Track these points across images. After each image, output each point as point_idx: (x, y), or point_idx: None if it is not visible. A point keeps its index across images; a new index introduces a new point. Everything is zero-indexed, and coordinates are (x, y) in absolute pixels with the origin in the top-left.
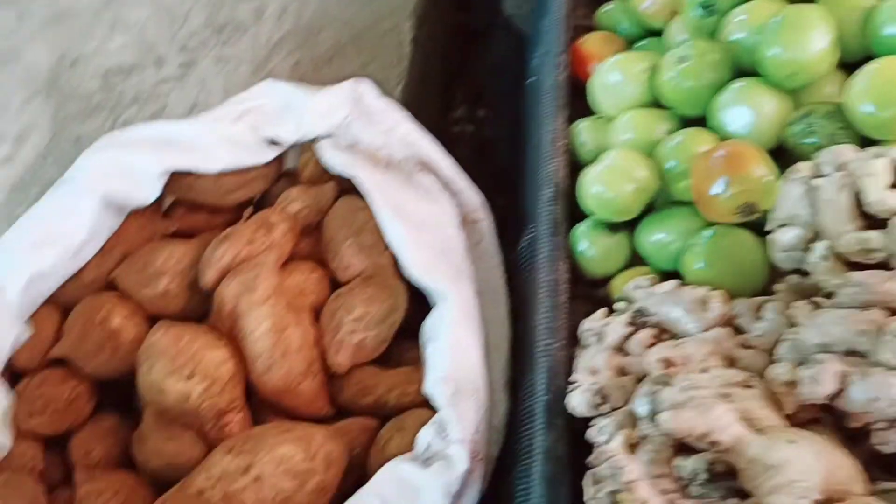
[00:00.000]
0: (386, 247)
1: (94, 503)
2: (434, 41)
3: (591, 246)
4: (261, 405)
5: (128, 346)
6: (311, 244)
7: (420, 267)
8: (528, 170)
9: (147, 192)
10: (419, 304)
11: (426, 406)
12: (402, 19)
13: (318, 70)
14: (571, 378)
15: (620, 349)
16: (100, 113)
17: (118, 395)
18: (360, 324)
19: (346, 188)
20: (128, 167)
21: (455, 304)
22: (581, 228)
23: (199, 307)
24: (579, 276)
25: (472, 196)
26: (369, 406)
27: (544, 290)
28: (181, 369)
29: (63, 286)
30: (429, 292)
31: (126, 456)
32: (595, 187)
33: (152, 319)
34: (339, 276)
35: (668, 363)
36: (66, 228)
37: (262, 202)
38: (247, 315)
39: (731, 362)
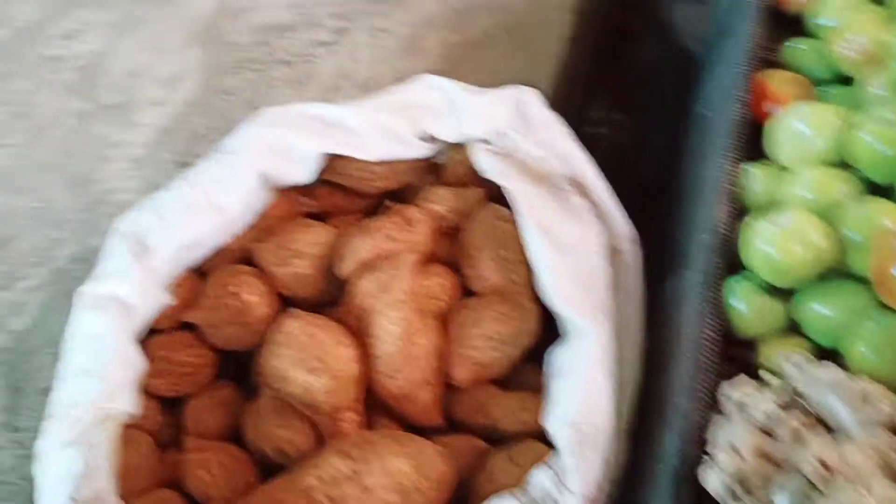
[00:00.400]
0: (526, 265)
1: (198, 471)
2: (588, 39)
3: (745, 303)
4: (374, 405)
5: (257, 323)
6: (448, 247)
7: (560, 294)
8: (683, 203)
9: (303, 172)
10: (547, 328)
11: (540, 438)
12: (563, 14)
13: (468, 54)
14: (708, 450)
15: (765, 429)
16: (250, 68)
17: (237, 366)
18: (487, 341)
19: (493, 196)
20: (288, 146)
21: (594, 344)
22: (737, 282)
23: (329, 293)
24: (726, 330)
25: (623, 225)
26: (482, 426)
27: (688, 346)
28: (308, 361)
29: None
30: (564, 321)
31: (235, 429)
32: (764, 247)
33: (283, 299)
34: (472, 286)
35: (824, 465)
36: (223, 200)
37: (403, 193)
38: (379, 315)
39: (893, 475)
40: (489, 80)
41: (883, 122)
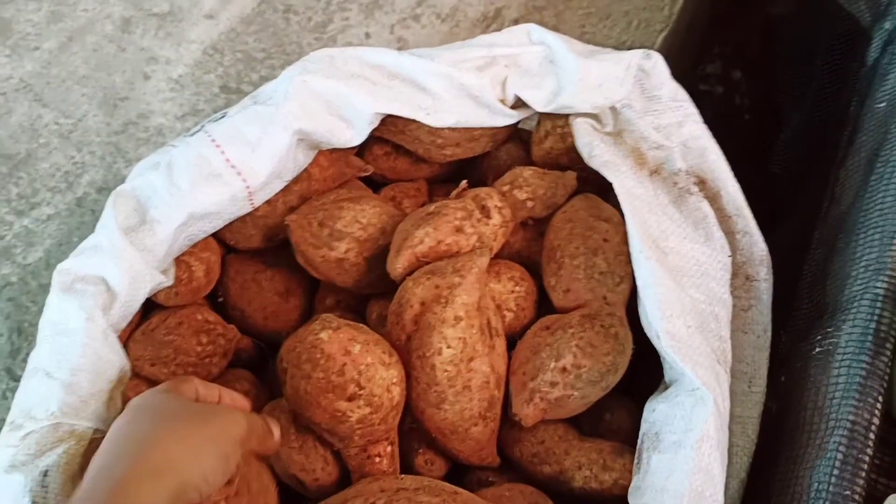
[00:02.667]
0: (624, 278)
1: None
2: None
3: None
4: (413, 430)
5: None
6: (526, 240)
7: (671, 335)
8: (844, 229)
9: (353, 135)
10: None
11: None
12: None
13: None
14: None
15: None
16: None
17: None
18: (565, 377)
19: (594, 185)
20: (337, 103)
21: (710, 412)
22: None
23: (375, 285)
24: (891, 416)
25: (757, 243)
26: (546, 476)
27: (840, 434)
28: (344, 386)
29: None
30: (672, 368)
31: None
32: None
33: (315, 281)
34: (552, 298)
35: None
36: (247, 163)
37: (479, 164)
38: (432, 331)
39: None
40: (598, 22)
41: None
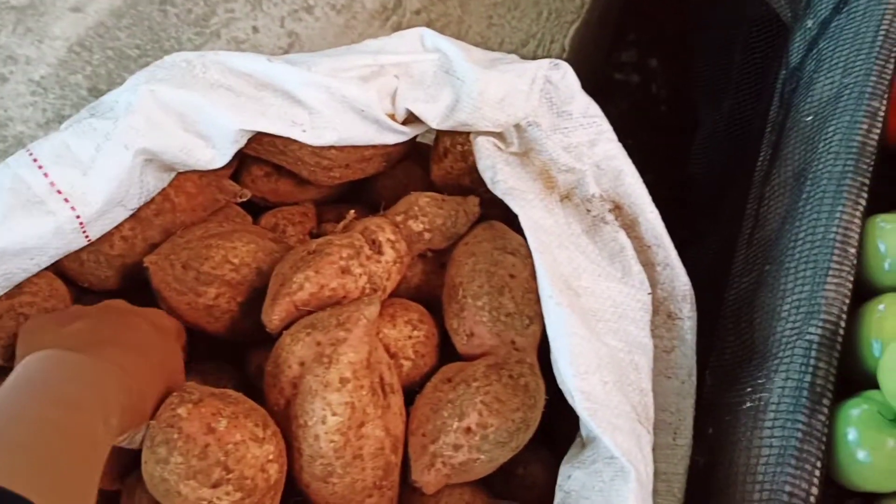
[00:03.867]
0: (534, 319)
1: None
2: None
3: (866, 443)
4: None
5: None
6: (425, 274)
7: (586, 396)
8: (771, 260)
9: (213, 154)
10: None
11: None
12: None
13: None
14: None
15: None
16: None
17: None
18: (470, 438)
19: (497, 205)
20: (194, 117)
21: (631, 489)
22: (854, 411)
23: (253, 333)
24: (831, 479)
25: (679, 277)
26: None
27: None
28: (209, 471)
29: (76, 254)
30: (588, 432)
31: None
32: None
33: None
34: (455, 342)
35: None
36: (77, 187)
37: (372, 186)
38: (315, 397)
39: None
40: (505, 13)
41: None
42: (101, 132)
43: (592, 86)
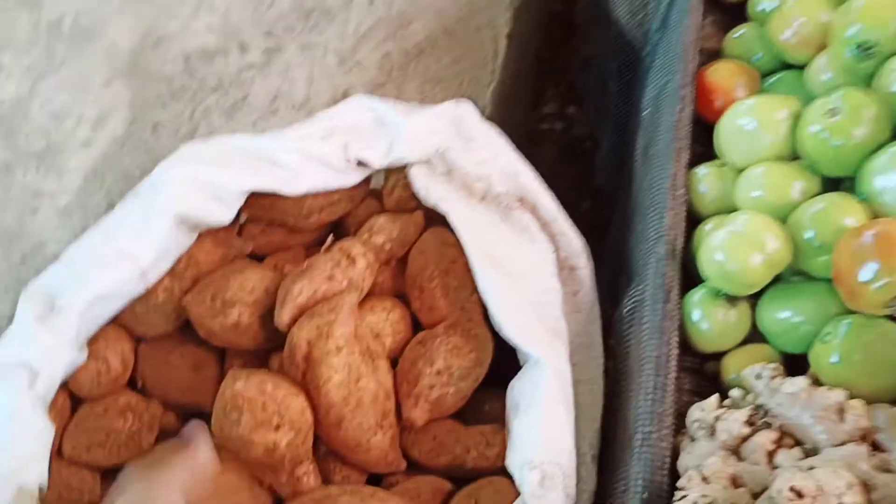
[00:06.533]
0: (475, 289)
1: None
2: (529, 34)
3: (706, 318)
4: (328, 454)
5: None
6: (392, 277)
7: (513, 325)
8: (635, 212)
9: (225, 212)
10: (504, 350)
11: (505, 473)
12: (499, 12)
13: (407, 64)
14: (679, 484)
15: (735, 451)
16: (180, 99)
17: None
18: (440, 378)
19: (436, 216)
20: (206, 185)
21: (549, 375)
22: (695, 297)
23: (271, 339)
24: (688, 346)
25: (574, 240)
26: (444, 465)
27: (649, 367)
28: (270, 420)
29: (131, 308)
30: (519, 352)
31: None
32: (717, 255)
33: (220, 351)
34: (421, 319)
35: (797, 493)
36: (135, 247)
37: (344, 223)
38: (320, 364)
39: (865, 488)
40: (433, 87)
41: (833, 113)
42: (144, 206)
43: (520, 135)
